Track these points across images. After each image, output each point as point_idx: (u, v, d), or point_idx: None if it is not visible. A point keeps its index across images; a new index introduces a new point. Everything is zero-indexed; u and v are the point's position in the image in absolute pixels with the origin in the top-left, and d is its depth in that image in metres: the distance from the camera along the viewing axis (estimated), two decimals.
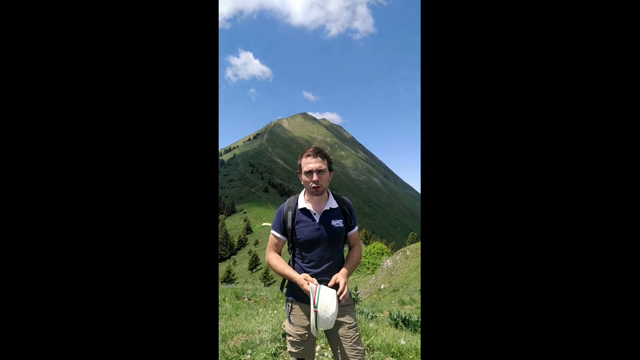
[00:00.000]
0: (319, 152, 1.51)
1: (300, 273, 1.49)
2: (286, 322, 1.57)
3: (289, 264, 1.55)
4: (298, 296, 1.51)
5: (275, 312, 3.93)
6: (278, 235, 1.56)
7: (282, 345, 2.62)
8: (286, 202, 1.59)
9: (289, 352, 1.55)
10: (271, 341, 2.67)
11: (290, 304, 1.55)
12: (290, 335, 1.53)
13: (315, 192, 1.48)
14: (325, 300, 1.34)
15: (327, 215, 1.52)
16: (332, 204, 1.55)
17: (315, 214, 1.51)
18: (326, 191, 1.56)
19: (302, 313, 1.52)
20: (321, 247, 1.49)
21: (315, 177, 1.46)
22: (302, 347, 1.52)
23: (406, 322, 4.36)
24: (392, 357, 2.61)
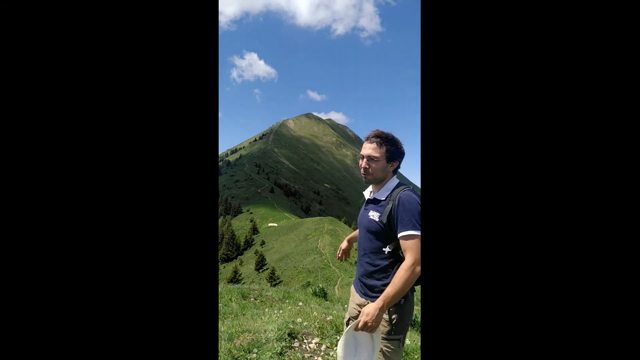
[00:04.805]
0: (377, 138, 1.39)
1: None
2: None
3: None
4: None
5: (281, 311, 3.95)
6: None
7: (287, 345, 2.64)
8: None
9: None
10: (277, 340, 2.69)
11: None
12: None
13: (364, 179, 1.42)
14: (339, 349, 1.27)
15: (370, 204, 1.46)
16: (382, 195, 1.42)
17: (364, 200, 1.52)
18: (390, 180, 1.45)
19: (351, 296, 1.56)
20: (360, 234, 1.50)
21: (363, 164, 1.39)
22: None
23: (412, 323, 4.35)
24: None
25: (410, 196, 1.33)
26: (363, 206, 1.53)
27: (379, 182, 1.43)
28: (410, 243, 1.27)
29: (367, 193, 1.53)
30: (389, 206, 1.34)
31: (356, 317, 1.46)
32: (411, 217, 1.29)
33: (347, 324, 1.53)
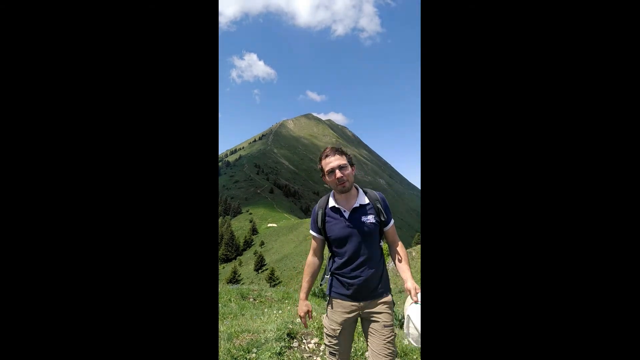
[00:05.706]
0: (336, 150, 1.53)
1: (337, 269, 1.55)
2: (325, 316, 1.63)
3: (330, 259, 1.63)
4: (336, 291, 1.56)
5: (279, 312, 3.95)
6: (314, 234, 1.63)
7: (286, 345, 2.64)
8: (319, 202, 1.63)
9: (325, 344, 1.64)
10: (276, 340, 2.68)
11: (329, 298, 1.61)
12: (326, 328, 1.60)
13: (343, 188, 1.48)
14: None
15: (357, 212, 1.52)
16: (363, 200, 1.54)
17: (345, 211, 1.52)
18: (355, 188, 1.56)
19: (338, 309, 1.57)
20: (353, 244, 1.51)
21: (338, 174, 1.46)
22: (336, 341, 1.58)
23: None
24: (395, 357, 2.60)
25: (380, 193, 1.62)
26: (343, 218, 1.51)
27: (349, 189, 1.52)
28: (394, 229, 1.60)
29: (337, 204, 1.54)
30: (378, 205, 1.54)
31: (353, 322, 1.58)
32: (389, 208, 1.59)
33: (339, 337, 1.56)
